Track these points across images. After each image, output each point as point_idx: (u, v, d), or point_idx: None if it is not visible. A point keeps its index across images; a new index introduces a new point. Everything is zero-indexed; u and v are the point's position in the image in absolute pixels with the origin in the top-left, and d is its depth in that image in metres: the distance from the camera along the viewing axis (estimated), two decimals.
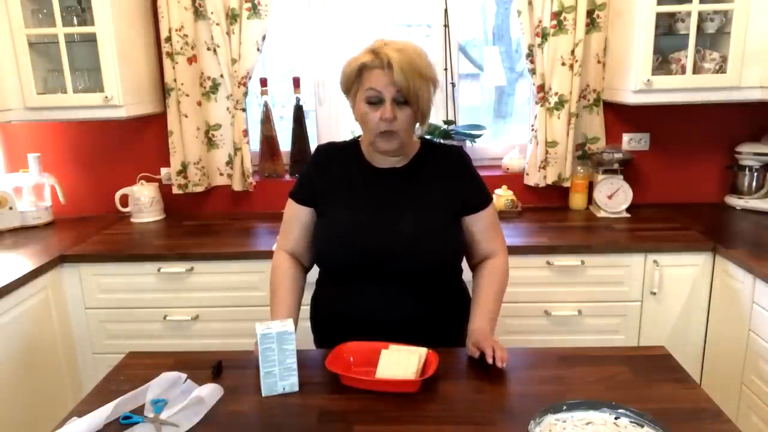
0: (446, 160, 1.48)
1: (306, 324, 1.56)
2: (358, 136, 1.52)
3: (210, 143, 2.67)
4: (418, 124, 1.42)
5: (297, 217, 1.50)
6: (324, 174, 1.48)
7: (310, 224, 1.50)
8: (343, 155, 1.50)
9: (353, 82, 1.37)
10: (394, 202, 1.43)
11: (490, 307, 1.45)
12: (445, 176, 1.46)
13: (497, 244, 1.52)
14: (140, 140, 2.71)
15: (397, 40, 1.36)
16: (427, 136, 2.60)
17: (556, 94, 2.48)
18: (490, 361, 1.26)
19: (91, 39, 2.27)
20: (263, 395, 1.23)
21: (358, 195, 1.45)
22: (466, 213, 1.47)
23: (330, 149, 1.54)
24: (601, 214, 2.49)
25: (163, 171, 2.72)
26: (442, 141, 2.49)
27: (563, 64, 2.44)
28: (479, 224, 1.48)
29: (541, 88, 2.49)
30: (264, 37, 2.49)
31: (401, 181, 1.45)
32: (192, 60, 2.54)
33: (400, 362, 1.24)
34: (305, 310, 1.55)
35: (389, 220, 1.40)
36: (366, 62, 1.34)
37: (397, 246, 1.38)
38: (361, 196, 1.45)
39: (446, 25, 2.62)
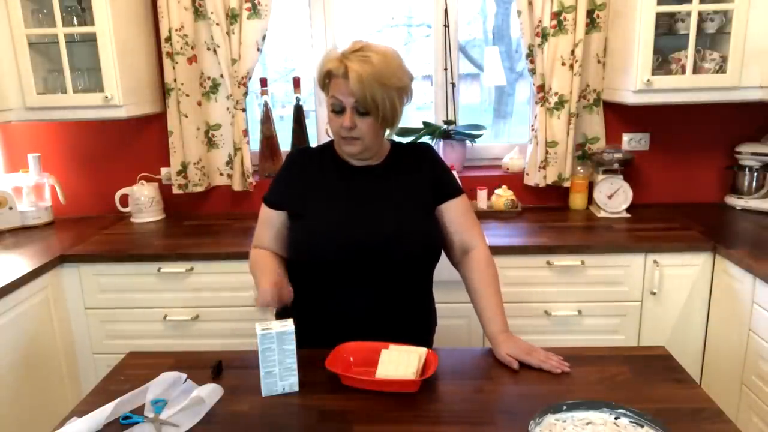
0: (417, 155, 1.52)
1: None
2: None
3: (210, 143, 2.67)
4: (388, 130, 1.44)
5: (269, 220, 1.50)
6: (299, 176, 1.48)
7: (281, 228, 1.49)
8: (319, 157, 1.51)
9: (324, 84, 1.40)
10: (372, 198, 1.44)
11: (497, 303, 1.45)
12: (418, 170, 1.49)
13: (475, 234, 1.51)
14: (140, 140, 2.71)
15: (371, 45, 1.35)
16: (427, 137, 2.65)
17: (556, 94, 2.48)
18: (558, 371, 1.29)
19: (91, 39, 2.28)
20: (263, 395, 1.23)
21: (335, 192, 1.45)
22: (438, 202, 1.49)
23: (304, 153, 1.54)
24: (601, 214, 2.49)
25: (163, 171, 2.72)
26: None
27: (563, 64, 2.44)
28: (453, 212, 1.49)
29: (541, 88, 2.49)
30: (264, 37, 2.49)
31: (377, 179, 1.46)
32: (192, 60, 2.54)
33: (400, 362, 1.24)
34: None
35: (368, 215, 1.41)
36: (331, 69, 1.35)
37: (377, 241, 1.39)
38: (339, 194, 1.45)
39: (446, 25, 2.62)
